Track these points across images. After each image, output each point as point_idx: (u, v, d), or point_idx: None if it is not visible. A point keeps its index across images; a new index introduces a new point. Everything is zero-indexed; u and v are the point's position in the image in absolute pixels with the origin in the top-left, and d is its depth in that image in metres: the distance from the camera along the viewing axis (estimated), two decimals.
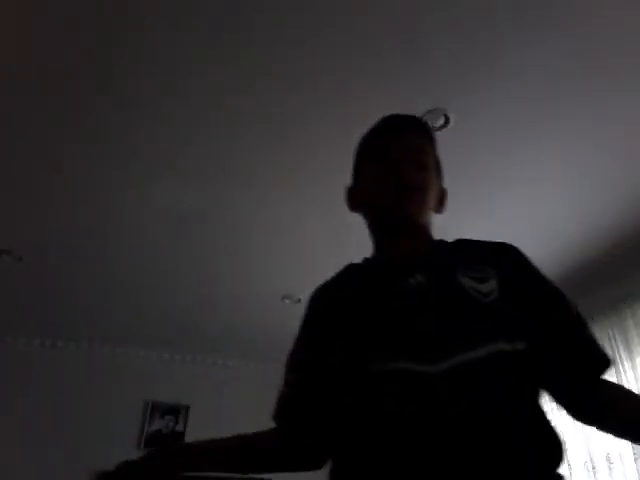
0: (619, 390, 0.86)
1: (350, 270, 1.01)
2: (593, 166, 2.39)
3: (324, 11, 1.74)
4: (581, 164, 2.38)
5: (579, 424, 2.88)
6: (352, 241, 3.13)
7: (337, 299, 0.93)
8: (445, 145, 2.26)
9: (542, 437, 0.75)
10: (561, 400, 0.85)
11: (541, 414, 0.78)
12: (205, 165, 2.39)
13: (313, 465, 0.95)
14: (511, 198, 2.59)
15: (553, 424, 0.78)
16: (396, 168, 0.95)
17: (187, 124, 2.17)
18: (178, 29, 1.80)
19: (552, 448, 0.76)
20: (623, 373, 2.79)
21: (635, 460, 2.65)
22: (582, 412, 0.85)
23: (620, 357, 2.84)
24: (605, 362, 0.85)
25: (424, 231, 1.00)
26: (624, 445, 2.72)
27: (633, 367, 2.76)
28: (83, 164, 2.37)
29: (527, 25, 1.78)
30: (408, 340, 0.79)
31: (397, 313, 0.83)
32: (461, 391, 0.73)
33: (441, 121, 2.14)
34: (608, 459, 2.80)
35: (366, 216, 1.04)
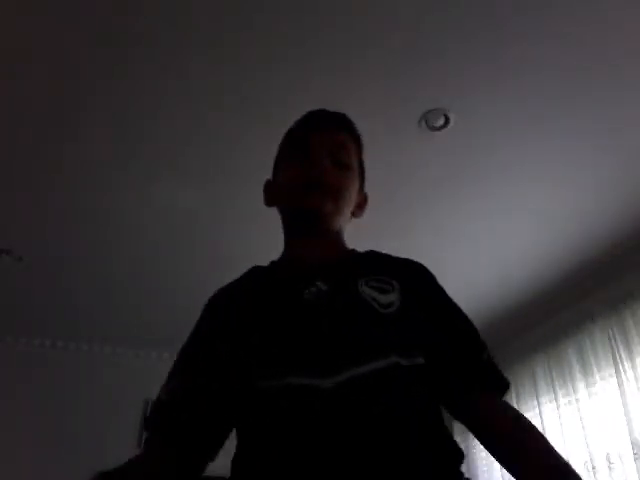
0: (507, 418, 0.80)
1: (253, 273, 0.95)
2: (593, 166, 2.39)
3: (324, 11, 1.74)
4: (581, 164, 2.38)
5: (579, 424, 2.83)
6: (350, 242, 3.14)
7: (233, 304, 0.87)
8: (445, 145, 2.28)
9: (436, 447, 0.71)
10: (454, 413, 0.82)
11: (436, 424, 0.74)
12: (205, 165, 2.39)
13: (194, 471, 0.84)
14: (511, 198, 2.59)
15: (448, 434, 0.75)
16: (311, 162, 0.89)
17: (187, 124, 2.17)
18: (178, 29, 1.80)
19: (448, 456, 0.73)
20: (623, 373, 2.79)
21: (635, 460, 2.64)
22: (469, 424, 0.82)
23: (620, 357, 2.83)
24: (501, 382, 0.84)
25: (334, 235, 0.93)
26: (624, 445, 2.72)
27: (633, 367, 2.76)
28: (83, 164, 2.37)
29: (527, 25, 1.79)
30: (299, 353, 0.74)
31: (290, 323, 0.78)
32: (351, 405, 0.68)
33: (441, 121, 2.14)
34: (608, 459, 2.79)
35: (280, 211, 0.98)
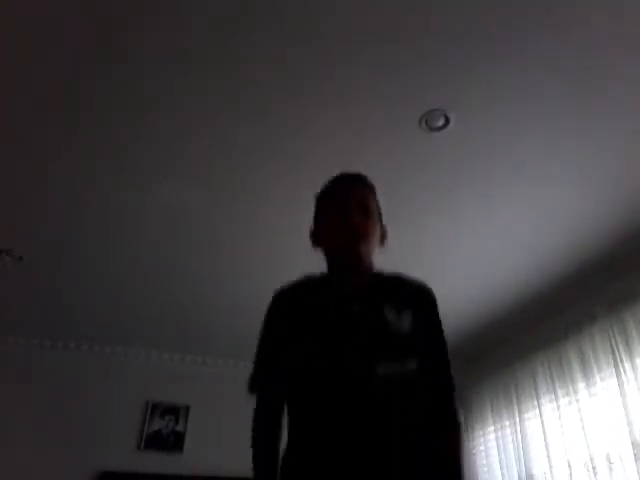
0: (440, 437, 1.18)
1: (307, 283, 1.29)
2: (594, 166, 2.39)
3: (324, 11, 1.74)
4: (582, 164, 2.38)
5: (580, 425, 2.84)
6: None
7: (296, 308, 1.24)
8: (445, 145, 2.28)
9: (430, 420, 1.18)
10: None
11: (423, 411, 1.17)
12: (205, 165, 2.39)
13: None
14: (511, 198, 2.59)
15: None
16: (346, 215, 1.24)
17: (187, 124, 2.17)
18: (178, 29, 1.80)
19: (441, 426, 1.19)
20: (623, 374, 2.79)
21: (635, 460, 2.64)
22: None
23: (620, 358, 2.83)
24: (452, 386, 1.23)
25: (366, 265, 1.27)
26: (624, 445, 2.72)
27: (633, 367, 2.76)
28: (83, 164, 2.37)
29: (527, 25, 1.78)
30: (347, 352, 1.13)
31: (340, 331, 1.16)
32: (379, 388, 1.11)
33: (441, 121, 2.14)
34: (608, 459, 2.79)
35: (323, 252, 1.32)
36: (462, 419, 1.33)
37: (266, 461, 1.17)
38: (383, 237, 1.33)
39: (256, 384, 1.26)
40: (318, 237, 1.33)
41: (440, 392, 1.22)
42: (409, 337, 1.17)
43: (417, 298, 1.26)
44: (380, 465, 1.06)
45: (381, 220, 1.34)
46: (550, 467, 3.14)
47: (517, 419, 3.49)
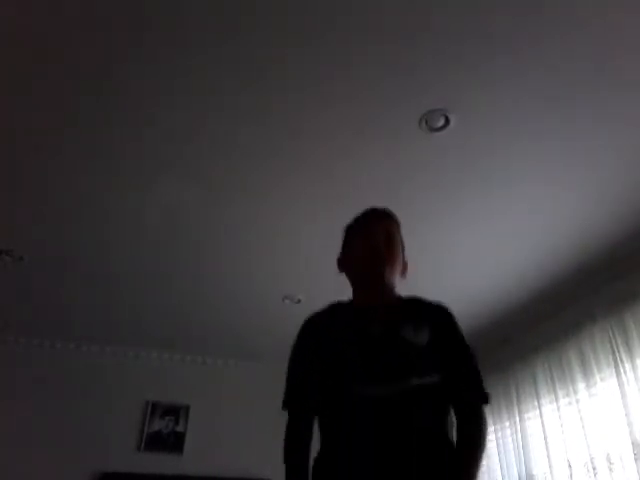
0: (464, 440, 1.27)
1: (334, 311, 1.41)
2: (593, 166, 2.39)
3: (324, 11, 1.74)
4: (582, 164, 2.38)
5: (580, 425, 2.85)
6: None
7: (323, 333, 1.36)
8: (445, 146, 2.28)
9: (444, 437, 1.25)
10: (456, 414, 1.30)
11: (444, 422, 1.27)
12: (205, 165, 2.39)
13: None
14: (511, 198, 2.59)
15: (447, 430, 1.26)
16: (372, 241, 1.39)
17: (187, 124, 2.17)
18: (178, 29, 1.80)
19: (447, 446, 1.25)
20: (623, 374, 2.79)
21: (636, 460, 2.64)
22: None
23: (620, 358, 2.83)
24: (486, 399, 1.31)
25: (389, 288, 1.39)
26: (625, 445, 2.72)
27: (634, 368, 2.75)
28: (83, 164, 2.37)
29: (527, 25, 1.78)
30: (368, 371, 1.24)
31: (362, 352, 1.28)
32: (399, 407, 1.20)
33: (441, 121, 2.14)
34: (608, 459, 2.79)
35: (350, 276, 1.45)
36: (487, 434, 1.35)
37: (297, 474, 1.25)
38: (404, 269, 1.46)
39: (289, 402, 1.36)
40: (345, 263, 1.47)
41: (467, 406, 1.29)
42: (427, 352, 1.27)
43: (434, 315, 1.36)
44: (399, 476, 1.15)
45: (404, 254, 1.47)
46: (550, 467, 3.14)
47: (517, 419, 3.49)
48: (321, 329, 1.38)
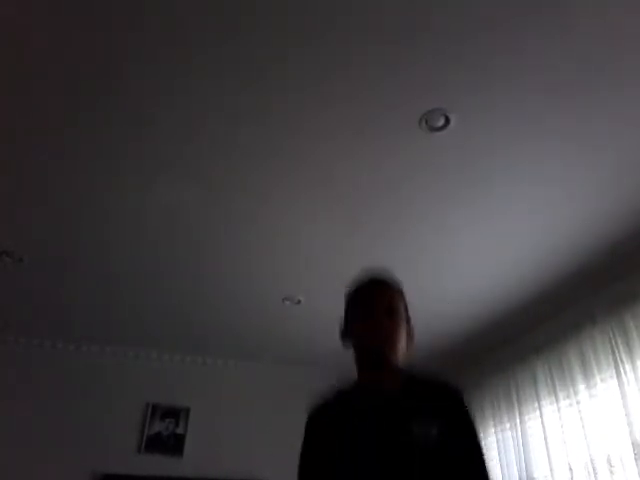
0: None
1: (338, 397, 1.36)
2: (593, 166, 2.39)
3: (324, 11, 1.74)
4: (581, 164, 2.38)
5: (580, 426, 2.84)
6: (351, 243, 3.14)
7: (328, 426, 1.32)
8: (445, 146, 2.27)
9: None
10: None
11: None
12: (205, 165, 2.39)
13: None
14: (511, 198, 2.58)
15: None
16: (374, 320, 1.32)
17: (187, 124, 2.17)
18: (178, 29, 1.80)
19: None
20: (624, 375, 2.78)
21: (636, 462, 2.63)
22: None
23: (621, 359, 2.82)
24: None
25: (393, 366, 1.32)
26: (625, 447, 2.71)
27: (634, 369, 2.75)
28: (83, 164, 2.37)
29: (527, 25, 1.78)
30: (378, 474, 1.19)
31: (363, 453, 1.22)
32: None
33: (441, 122, 2.14)
34: (609, 461, 2.79)
35: (354, 349, 1.39)
36: None
37: None
38: (410, 334, 1.40)
39: None
40: (346, 337, 1.43)
41: None
42: (437, 451, 1.20)
43: (449, 406, 1.28)
44: None
45: (409, 321, 1.41)
46: (551, 469, 3.13)
47: (518, 420, 3.48)
48: (326, 422, 1.33)
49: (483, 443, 1.28)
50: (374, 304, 1.36)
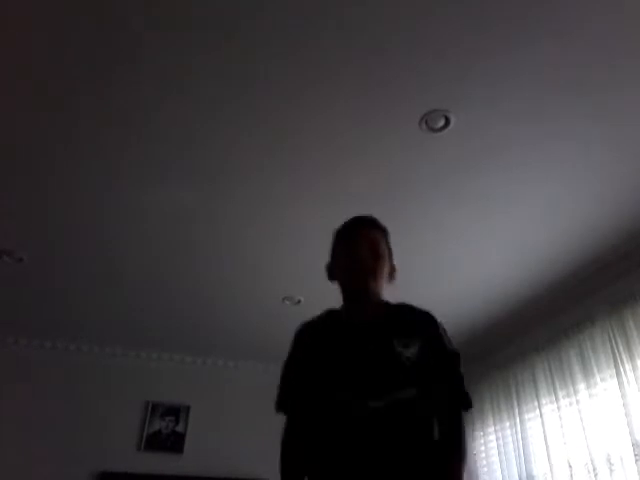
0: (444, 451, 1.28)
1: (326, 317, 1.43)
2: (594, 166, 2.39)
3: (324, 12, 1.74)
4: (582, 164, 2.38)
5: (580, 426, 2.84)
6: None
7: (315, 340, 1.39)
8: (445, 146, 2.28)
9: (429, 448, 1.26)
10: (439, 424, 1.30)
11: (429, 433, 1.27)
12: (205, 165, 2.39)
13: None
14: (511, 198, 2.59)
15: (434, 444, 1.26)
16: (355, 254, 1.40)
17: (187, 124, 2.17)
18: (178, 29, 1.80)
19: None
20: (624, 374, 2.78)
21: (636, 461, 2.64)
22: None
23: (621, 358, 2.82)
24: (468, 403, 1.35)
25: (374, 297, 1.40)
26: (625, 446, 2.71)
27: (634, 368, 2.75)
28: (83, 164, 2.36)
29: (527, 25, 1.78)
30: (355, 383, 1.26)
31: (352, 364, 1.29)
32: (387, 417, 1.22)
33: (442, 122, 2.14)
34: (609, 460, 2.79)
35: (339, 284, 1.45)
36: (468, 443, 1.40)
37: (292, 476, 1.29)
38: (392, 274, 1.46)
39: (280, 405, 1.39)
40: (333, 271, 1.48)
41: (447, 411, 1.31)
42: (415, 366, 1.28)
43: (423, 327, 1.37)
44: None
45: (391, 259, 1.47)
46: (550, 468, 3.13)
47: (517, 420, 3.48)
48: (315, 337, 1.40)
49: (458, 355, 1.38)
50: (358, 240, 1.42)
